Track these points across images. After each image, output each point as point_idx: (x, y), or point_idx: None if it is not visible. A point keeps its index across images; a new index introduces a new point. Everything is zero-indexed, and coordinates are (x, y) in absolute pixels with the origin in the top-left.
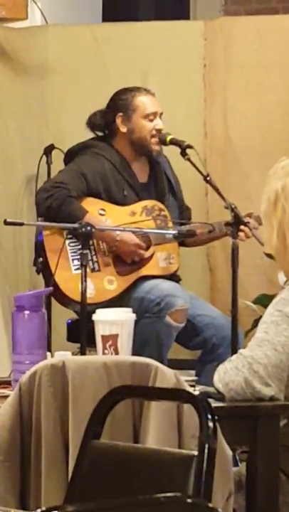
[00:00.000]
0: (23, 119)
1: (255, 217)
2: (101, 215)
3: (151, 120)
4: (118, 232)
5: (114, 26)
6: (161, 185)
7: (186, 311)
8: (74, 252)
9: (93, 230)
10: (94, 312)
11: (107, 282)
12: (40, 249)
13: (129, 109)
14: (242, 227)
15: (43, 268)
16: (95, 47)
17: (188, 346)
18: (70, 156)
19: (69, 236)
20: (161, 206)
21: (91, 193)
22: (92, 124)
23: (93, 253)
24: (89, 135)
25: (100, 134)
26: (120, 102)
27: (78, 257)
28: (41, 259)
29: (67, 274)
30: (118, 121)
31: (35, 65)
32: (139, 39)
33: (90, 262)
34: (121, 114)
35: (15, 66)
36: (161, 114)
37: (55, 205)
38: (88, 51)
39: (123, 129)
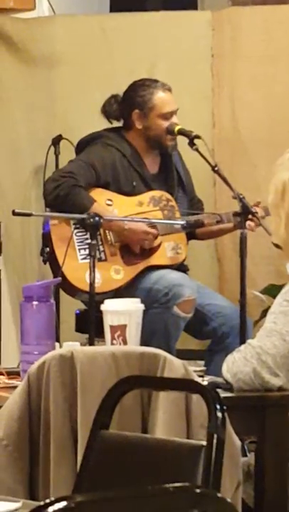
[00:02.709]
0: (30, 110)
1: (263, 207)
2: (108, 205)
3: (168, 119)
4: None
5: (122, 17)
6: (171, 178)
7: (194, 302)
8: (81, 242)
9: (101, 220)
10: (102, 302)
11: (114, 272)
12: (47, 239)
13: (146, 107)
14: (250, 217)
15: (50, 258)
16: (102, 37)
17: (197, 336)
18: (81, 146)
19: (76, 226)
20: (169, 197)
21: (100, 184)
22: (107, 112)
23: (100, 243)
24: (97, 125)
25: (115, 122)
26: (138, 99)
27: (85, 246)
28: (48, 249)
29: (74, 264)
30: (134, 117)
31: (43, 55)
32: (146, 29)
33: (97, 252)
34: (137, 111)
35: (23, 57)
36: (176, 110)
37: (63, 194)
38: (96, 42)
39: (139, 126)
